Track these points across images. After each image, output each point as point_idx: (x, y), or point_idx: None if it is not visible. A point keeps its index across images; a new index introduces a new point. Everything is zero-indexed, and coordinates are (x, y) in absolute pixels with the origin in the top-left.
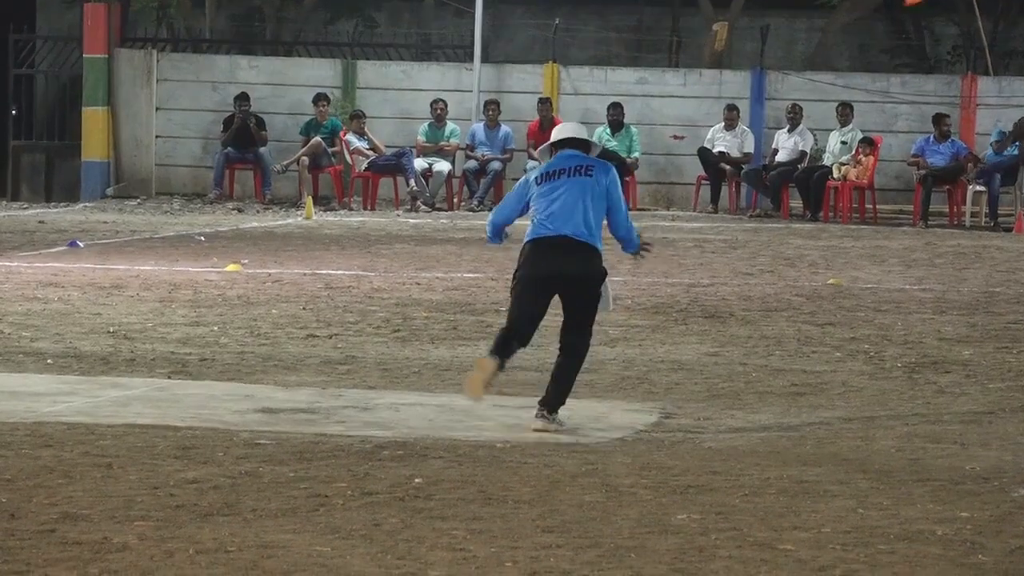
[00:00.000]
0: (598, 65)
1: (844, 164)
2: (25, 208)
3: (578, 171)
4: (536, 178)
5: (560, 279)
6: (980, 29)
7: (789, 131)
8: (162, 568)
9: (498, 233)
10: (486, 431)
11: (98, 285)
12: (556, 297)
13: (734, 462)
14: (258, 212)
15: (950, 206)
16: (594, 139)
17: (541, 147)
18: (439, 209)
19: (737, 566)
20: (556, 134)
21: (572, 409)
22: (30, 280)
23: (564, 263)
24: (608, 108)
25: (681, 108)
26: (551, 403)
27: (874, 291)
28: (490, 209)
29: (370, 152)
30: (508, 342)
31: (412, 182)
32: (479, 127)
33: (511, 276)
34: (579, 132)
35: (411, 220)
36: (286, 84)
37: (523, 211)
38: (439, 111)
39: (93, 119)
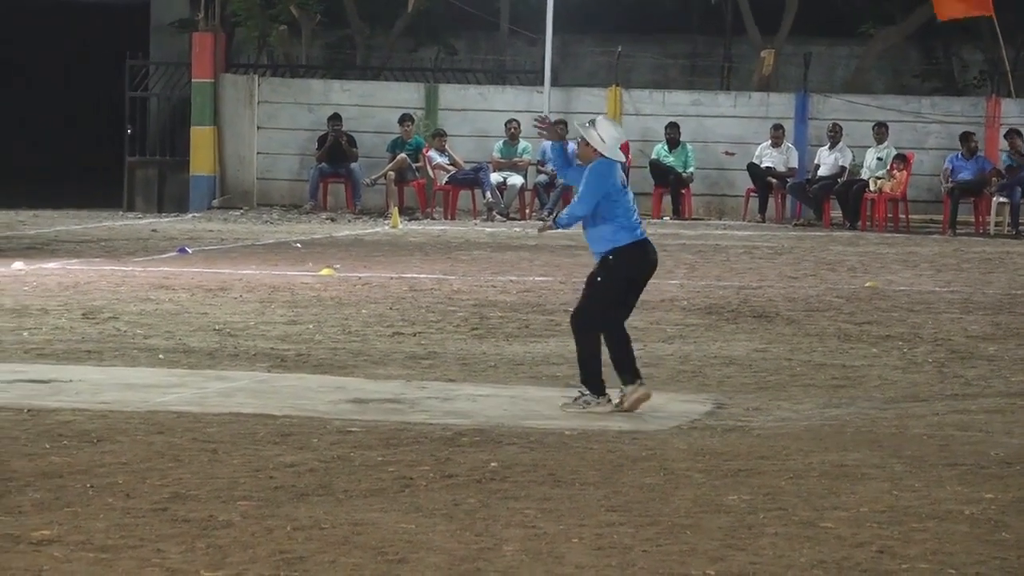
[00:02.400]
0: (657, 88)
1: (880, 178)
2: (139, 218)
3: (625, 184)
4: (621, 180)
5: (650, 273)
6: (1004, 56)
7: (830, 148)
8: (263, 543)
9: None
10: (555, 420)
11: (205, 287)
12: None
13: (780, 448)
14: (349, 222)
15: (976, 216)
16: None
17: (583, 130)
18: (512, 219)
19: (782, 542)
20: (608, 144)
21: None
22: (144, 283)
23: (654, 258)
24: (666, 127)
25: (732, 127)
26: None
27: (907, 293)
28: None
29: (450, 167)
30: (628, 346)
31: (488, 194)
32: (548, 144)
33: (603, 278)
34: (617, 151)
35: (487, 229)
36: (374, 106)
37: None
38: (512, 130)
39: (200, 137)
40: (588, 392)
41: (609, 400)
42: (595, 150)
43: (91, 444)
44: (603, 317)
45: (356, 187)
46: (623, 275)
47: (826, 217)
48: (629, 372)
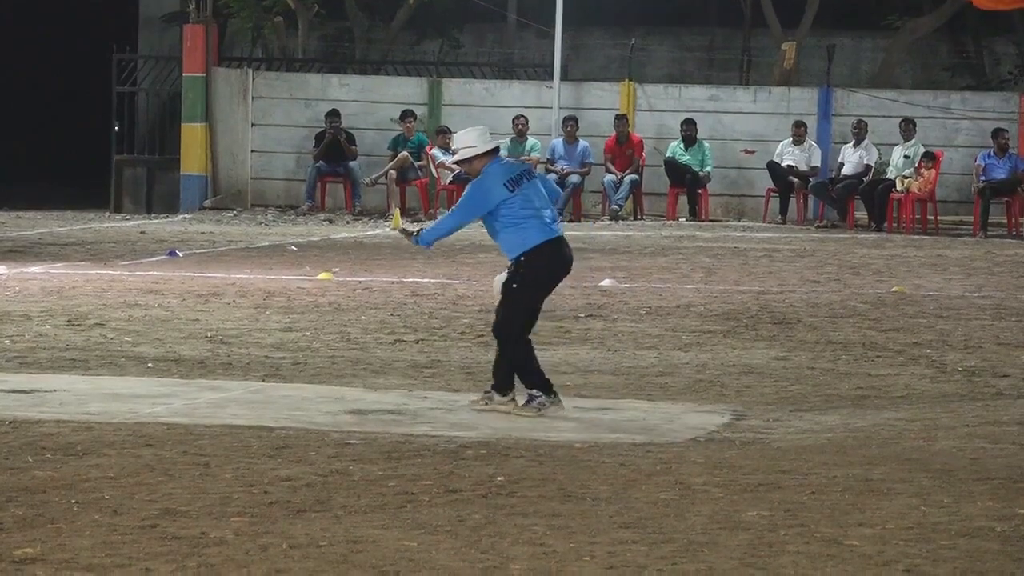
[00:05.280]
0: (672, 83)
1: (907, 177)
2: (127, 219)
3: (528, 175)
4: (507, 184)
5: (566, 273)
6: None
7: (854, 146)
8: (257, 562)
9: (441, 238)
10: (565, 432)
11: (196, 292)
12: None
13: (802, 461)
14: (348, 223)
15: (1008, 217)
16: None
17: (453, 160)
18: None
19: (805, 561)
20: (477, 143)
21: (647, 411)
22: (132, 287)
23: (569, 257)
24: (682, 124)
25: (751, 124)
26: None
27: (935, 298)
28: (570, 220)
29: (454, 166)
30: (530, 353)
31: None
32: (558, 142)
33: (518, 284)
34: (488, 136)
35: None
36: (375, 101)
37: None
38: (520, 127)
39: (192, 135)
40: (540, 393)
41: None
42: (475, 159)
43: (76, 457)
44: (526, 320)
45: (355, 187)
46: (537, 277)
47: (850, 218)
48: (507, 385)
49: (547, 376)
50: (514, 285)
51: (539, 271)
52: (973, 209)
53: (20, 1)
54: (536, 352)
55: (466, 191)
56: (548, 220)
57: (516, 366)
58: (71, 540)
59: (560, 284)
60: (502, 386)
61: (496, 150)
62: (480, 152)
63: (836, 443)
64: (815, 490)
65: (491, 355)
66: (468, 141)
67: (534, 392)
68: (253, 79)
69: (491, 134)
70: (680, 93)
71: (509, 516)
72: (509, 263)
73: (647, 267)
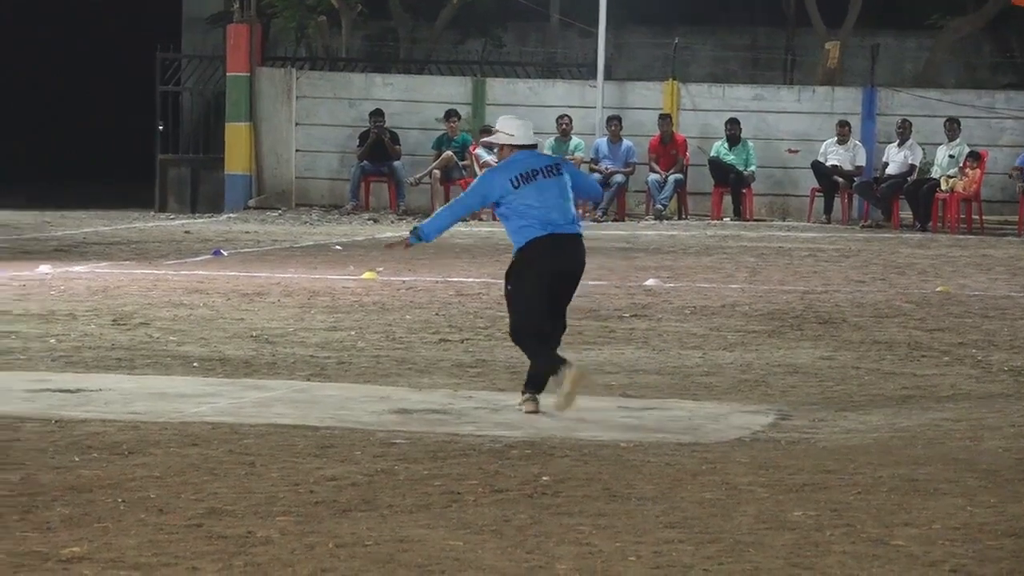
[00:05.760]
0: (716, 82)
1: (951, 177)
2: (172, 219)
3: (550, 171)
4: (512, 180)
5: (570, 272)
6: None
7: (899, 145)
8: (303, 561)
9: (443, 231)
10: (610, 431)
11: (241, 292)
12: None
13: (847, 461)
14: (392, 222)
15: None
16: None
17: (486, 139)
18: None
19: (851, 561)
20: (516, 133)
21: (692, 411)
22: (177, 287)
23: (575, 256)
24: (726, 123)
25: (795, 123)
26: (540, 386)
27: (981, 298)
28: (614, 220)
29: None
30: (543, 347)
31: None
32: (602, 142)
33: (512, 285)
34: (531, 134)
35: None
36: (419, 100)
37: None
38: (564, 126)
39: (236, 134)
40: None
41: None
42: (507, 147)
43: (122, 457)
44: (535, 318)
45: (400, 186)
46: (525, 273)
47: (895, 218)
48: (548, 362)
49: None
50: (508, 287)
51: (526, 268)
52: (1018, 209)
53: (65, 2)
54: (577, 352)
55: (475, 180)
56: (553, 219)
57: (537, 359)
58: (117, 539)
59: (603, 284)
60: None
61: (531, 147)
62: (514, 144)
63: (881, 443)
64: (861, 490)
65: None
66: (509, 129)
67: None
68: (297, 78)
69: (534, 133)
70: (724, 92)
71: (554, 516)
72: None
73: (691, 267)
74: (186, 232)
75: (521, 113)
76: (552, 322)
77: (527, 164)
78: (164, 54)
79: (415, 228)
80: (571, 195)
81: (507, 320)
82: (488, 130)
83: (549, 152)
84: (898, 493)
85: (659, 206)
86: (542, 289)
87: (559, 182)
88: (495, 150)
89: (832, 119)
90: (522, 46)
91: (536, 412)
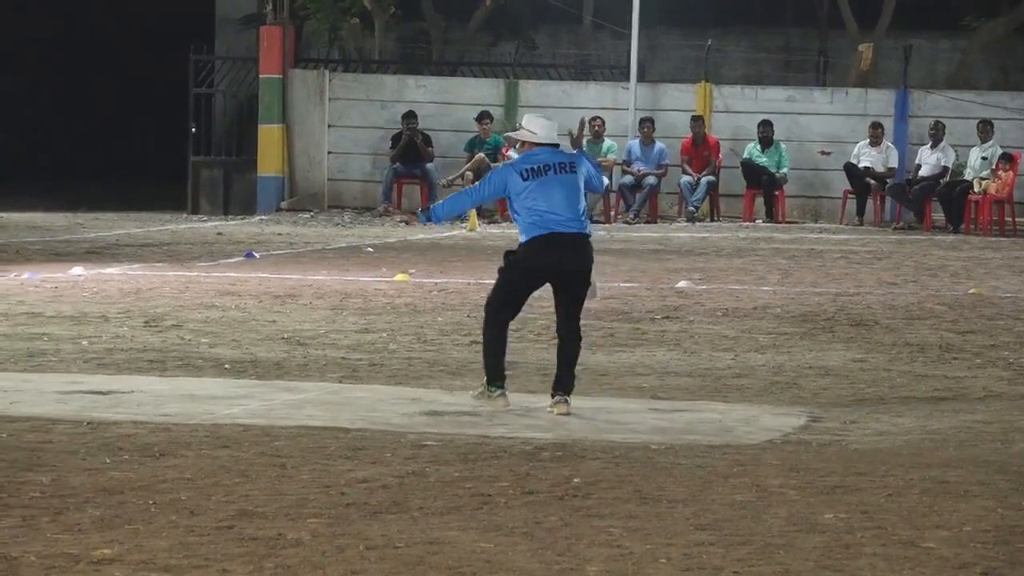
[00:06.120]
0: (748, 84)
1: (984, 179)
2: (204, 221)
3: (563, 168)
4: (522, 173)
5: (571, 271)
6: None
7: (932, 147)
8: (333, 563)
9: (455, 217)
10: (641, 433)
11: (273, 294)
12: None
13: (879, 463)
14: (424, 225)
15: None
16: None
17: (508, 134)
18: (597, 221)
19: (881, 563)
20: (539, 132)
21: (723, 412)
22: (208, 289)
23: (576, 255)
24: (758, 125)
25: (828, 125)
26: (568, 387)
27: (1013, 300)
28: (646, 222)
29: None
30: (499, 346)
31: None
32: (635, 143)
33: (503, 267)
34: (554, 135)
35: None
36: (451, 103)
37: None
38: (597, 128)
39: (268, 136)
40: (484, 384)
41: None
42: (528, 144)
43: (153, 459)
44: (505, 304)
45: (432, 188)
46: (520, 266)
47: (927, 220)
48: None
49: (505, 370)
50: (501, 265)
51: (523, 261)
52: None
53: (99, 4)
54: (609, 354)
55: (491, 172)
56: (557, 219)
57: (484, 344)
58: (148, 541)
59: (635, 286)
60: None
61: (552, 145)
62: (536, 141)
63: (913, 445)
64: (892, 492)
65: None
66: (533, 127)
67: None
68: (330, 80)
69: (563, 135)
70: (757, 94)
71: (585, 518)
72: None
73: (723, 269)
74: (218, 234)
75: (552, 115)
76: (564, 325)
77: (540, 160)
78: (197, 56)
79: (427, 207)
80: (582, 195)
81: (538, 322)
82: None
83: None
84: (929, 495)
85: (691, 208)
86: (526, 283)
87: (570, 181)
88: (517, 145)
89: (865, 121)
90: (555, 48)
91: (508, 406)
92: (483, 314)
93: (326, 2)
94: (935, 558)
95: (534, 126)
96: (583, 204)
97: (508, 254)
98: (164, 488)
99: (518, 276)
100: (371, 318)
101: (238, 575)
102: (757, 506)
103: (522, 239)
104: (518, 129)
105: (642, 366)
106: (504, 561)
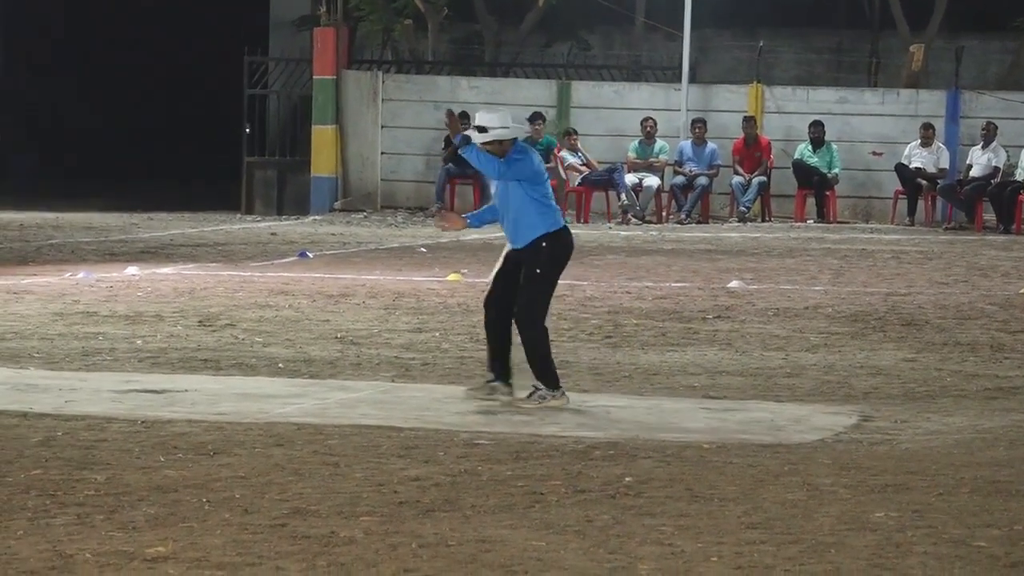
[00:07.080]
0: (800, 85)
1: None
2: (258, 221)
3: None
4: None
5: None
6: None
7: (983, 148)
8: (386, 561)
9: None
10: (693, 432)
11: (326, 293)
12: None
13: (929, 463)
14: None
15: None
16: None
17: (483, 141)
18: (648, 222)
19: (932, 562)
20: (511, 125)
21: (775, 412)
22: (262, 288)
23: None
24: (810, 126)
25: (879, 126)
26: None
27: None
28: (698, 222)
29: (583, 168)
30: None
31: (623, 196)
32: (687, 144)
33: (542, 268)
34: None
35: (622, 232)
36: (504, 103)
37: None
38: (649, 129)
39: (322, 137)
40: (543, 387)
41: (564, 393)
42: (503, 142)
43: (207, 457)
44: (548, 301)
45: (485, 189)
46: (559, 259)
47: (978, 220)
48: (554, 376)
49: (558, 370)
50: (538, 270)
51: (559, 253)
52: None
53: (154, 5)
54: (660, 354)
55: (522, 161)
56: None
57: (537, 353)
58: (202, 539)
59: (687, 286)
60: (550, 381)
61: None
62: (516, 136)
63: (964, 444)
64: (943, 491)
65: (619, 356)
66: (501, 123)
67: (537, 384)
68: (383, 81)
69: (616, 136)
70: (808, 95)
71: (637, 516)
72: (515, 246)
73: (775, 269)
74: (272, 234)
75: (605, 116)
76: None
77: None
78: (251, 57)
79: (462, 142)
80: None
81: (591, 321)
82: (572, 132)
83: (633, 154)
84: (980, 494)
85: (743, 208)
86: (558, 279)
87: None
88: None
89: (916, 122)
90: (607, 49)
91: (567, 403)
92: (523, 328)
93: (379, 4)
94: (986, 557)
95: (504, 121)
96: None
97: (539, 255)
98: (218, 486)
99: (558, 273)
100: (424, 317)
101: (291, 573)
102: (808, 505)
103: (547, 228)
104: (483, 130)
105: (694, 365)
106: (556, 559)
